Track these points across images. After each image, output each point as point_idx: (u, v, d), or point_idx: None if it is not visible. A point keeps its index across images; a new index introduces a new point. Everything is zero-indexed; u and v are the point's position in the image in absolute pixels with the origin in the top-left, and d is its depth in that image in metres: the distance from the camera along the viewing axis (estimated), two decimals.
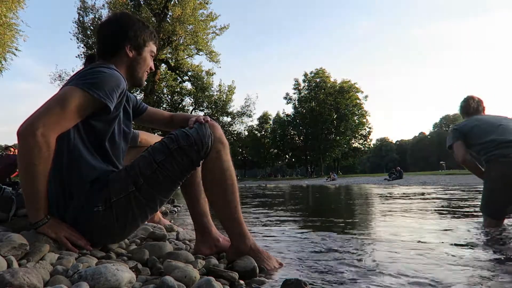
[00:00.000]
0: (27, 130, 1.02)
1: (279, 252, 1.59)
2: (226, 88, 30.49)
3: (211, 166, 1.20)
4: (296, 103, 47.39)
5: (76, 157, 1.13)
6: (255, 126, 52.45)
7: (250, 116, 35.00)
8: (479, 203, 2.46)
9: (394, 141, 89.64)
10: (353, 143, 47.51)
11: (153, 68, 1.41)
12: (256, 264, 1.16)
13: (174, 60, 25.93)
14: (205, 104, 30.64)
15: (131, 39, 1.29)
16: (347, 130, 43.49)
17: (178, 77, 28.35)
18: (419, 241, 1.83)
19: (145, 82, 1.32)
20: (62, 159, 1.12)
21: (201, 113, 29.81)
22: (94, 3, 28.17)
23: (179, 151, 1.15)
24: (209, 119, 1.26)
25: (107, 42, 1.30)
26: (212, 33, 26.93)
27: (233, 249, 1.26)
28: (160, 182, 1.16)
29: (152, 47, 1.37)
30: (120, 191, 1.13)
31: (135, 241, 1.44)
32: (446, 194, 6.41)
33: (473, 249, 1.63)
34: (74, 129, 1.13)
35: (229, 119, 33.83)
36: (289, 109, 54.29)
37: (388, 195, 6.73)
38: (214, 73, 29.28)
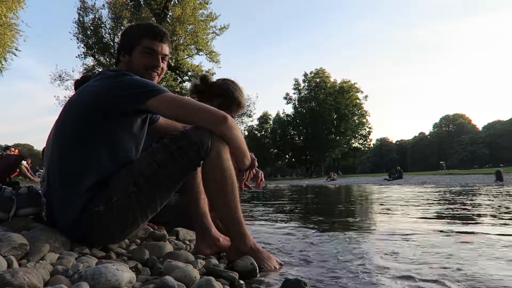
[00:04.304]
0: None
1: (279, 251, 1.59)
2: None
3: (211, 165, 1.19)
4: (296, 103, 47.40)
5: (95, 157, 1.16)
6: (255, 126, 52.44)
7: (250, 116, 35.06)
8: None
9: (394, 141, 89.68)
10: (353, 143, 47.49)
11: (159, 64, 1.33)
12: (256, 264, 1.16)
13: (174, 60, 25.93)
14: None
15: (123, 46, 1.35)
16: (347, 130, 43.49)
17: (178, 77, 28.33)
18: (423, 241, 1.83)
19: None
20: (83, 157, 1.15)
21: None
22: (94, 3, 28.15)
23: (179, 151, 1.15)
24: None
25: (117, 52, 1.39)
26: (212, 33, 26.97)
27: (233, 249, 1.26)
28: (160, 183, 1.16)
29: (146, 42, 1.30)
30: (120, 191, 1.13)
31: (135, 241, 1.44)
32: (446, 193, 6.41)
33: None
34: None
35: None
36: (289, 109, 54.26)
37: (388, 194, 6.73)
38: (214, 73, 29.27)
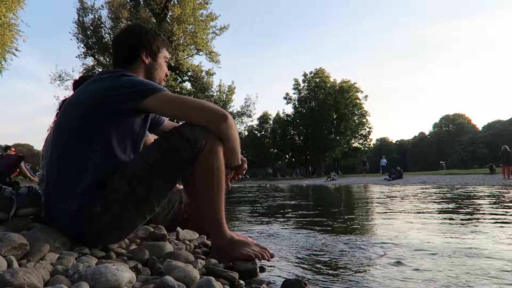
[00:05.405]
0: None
1: (279, 251, 1.59)
2: (226, 88, 30.49)
3: (202, 162, 1.16)
4: (296, 103, 47.36)
5: (94, 156, 1.15)
6: (255, 126, 52.37)
7: (250, 116, 34.98)
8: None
9: (394, 141, 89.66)
10: (353, 143, 47.44)
11: (168, 74, 1.46)
12: (256, 264, 1.16)
13: (174, 60, 25.94)
14: None
15: (145, 46, 1.34)
16: (347, 130, 43.43)
17: (178, 77, 28.34)
18: (421, 241, 1.83)
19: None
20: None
21: None
22: (94, 3, 28.07)
23: (171, 151, 1.13)
24: None
25: (124, 50, 1.34)
26: (212, 33, 26.99)
27: (214, 249, 1.26)
28: (154, 183, 1.15)
29: (165, 53, 1.42)
30: (117, 192, 1.12)
31: (135, 241, 1.44)
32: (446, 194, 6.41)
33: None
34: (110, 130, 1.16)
35: None
36: (289, 109, 54.06)
37: (388, 195, 6.74)
38: (214, 73, 29.29)
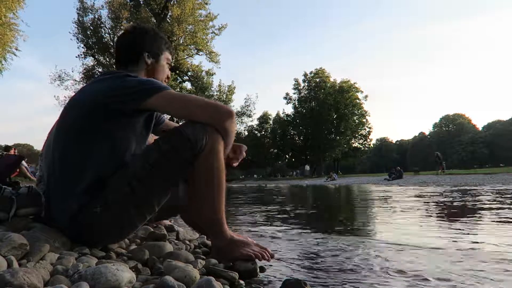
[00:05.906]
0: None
1: (279, 251, 1.59)
2: (226, 88, 30.50)
3: (203, 162, 1.15)
4: (296, 103, 47.39)
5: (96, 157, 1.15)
6: (255, 126, 52.36)
7: (250, 116, 35.02)
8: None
9: (394, 141, 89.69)
10: (353, 143, 47.45)
11: (169, 76, 1.48)
12: (257, 264, 1.16)
13: (174, 60, 25.90)
14: None
15: (147, 47, 1.35)
16: (347, 130, 43.44)
17: (178, 77, 28.35)
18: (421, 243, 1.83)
19: None
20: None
21: None
22: (94, 3, 28.04)
23: (171, 151, 1.13)
24: None
25: (127, 51, 1.35)
26: (212, 33, 27.01)
27: (214, 249, 1.26)
28: (154, 183, 1.14)
29: (167, 55, 1.43)
30: (116, 192, 1.12)
31: (135, 241, 1.44)
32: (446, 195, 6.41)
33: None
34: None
35: None
36: (289, 109, 54.05)
37: (388, 195, 6.74)
38: (214, 73, 29.33)
